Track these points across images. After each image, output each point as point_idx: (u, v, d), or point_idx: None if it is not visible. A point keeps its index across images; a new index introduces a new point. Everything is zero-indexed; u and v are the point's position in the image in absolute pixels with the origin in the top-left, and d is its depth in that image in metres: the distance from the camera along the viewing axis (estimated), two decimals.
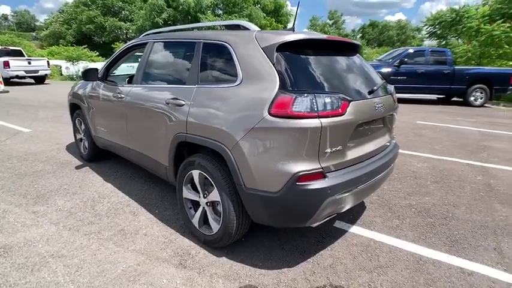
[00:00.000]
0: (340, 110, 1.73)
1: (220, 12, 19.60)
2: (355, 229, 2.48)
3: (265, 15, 19.32)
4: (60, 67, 19.17)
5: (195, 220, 2.25)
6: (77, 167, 3.75)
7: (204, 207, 2.17)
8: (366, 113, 1.94)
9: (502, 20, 12.06)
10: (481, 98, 9.33)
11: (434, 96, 10.60)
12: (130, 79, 3.68)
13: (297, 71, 1.80)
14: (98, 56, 19.49)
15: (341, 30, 59.10)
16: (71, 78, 17.90)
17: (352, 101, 1.81)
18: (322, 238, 2.35)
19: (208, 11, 17.32)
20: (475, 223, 2.62)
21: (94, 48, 17.88)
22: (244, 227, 2.03)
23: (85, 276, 1.90)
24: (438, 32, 17.58)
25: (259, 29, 2.07)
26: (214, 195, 2.03)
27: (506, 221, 2.67)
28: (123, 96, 2.80)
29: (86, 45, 18.67)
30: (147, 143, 2.62)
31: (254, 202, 1.82)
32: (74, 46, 20.59)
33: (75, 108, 4.01)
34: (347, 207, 1.95)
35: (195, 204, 2.29)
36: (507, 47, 11.85)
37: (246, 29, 2.15)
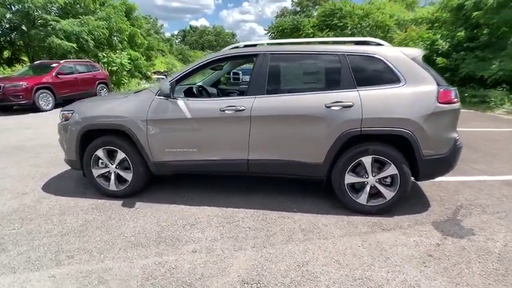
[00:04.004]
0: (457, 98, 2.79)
1: (59, 13, 16.24)
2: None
3: (126, 19, 17.66)
4: None
5: (362, 199, 2.78)
6: (126, 205, 3.07)
7: (372, 185, 2.75)
8: None
9: (328, 29, 16.92)
10: None
11: None
12: (187, 91, 3.40)
13: (432, 72, 2.73)
14: None
15: (160, 34, 58.20)
16: None
17: None
18: (428, 188, 3.35)
19: (53, 13, 14.09)
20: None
21: None
22: None
23: (350, 260, 2.15)
24: (279, 37, 21.81)
25: (388, 44, 2.82)
26: (391, 170, 2.67)
27: (471, 156, 4.58)
28: (243, 108, 2.77)
29: None
30: (291, 148, 2.78)
31: (429, 164, 2.64)
32: None
33: (89, 139, 3.17)
34: None
35: (353, 187, 2.82)
36: None
37: (378, 44, 2.85)
